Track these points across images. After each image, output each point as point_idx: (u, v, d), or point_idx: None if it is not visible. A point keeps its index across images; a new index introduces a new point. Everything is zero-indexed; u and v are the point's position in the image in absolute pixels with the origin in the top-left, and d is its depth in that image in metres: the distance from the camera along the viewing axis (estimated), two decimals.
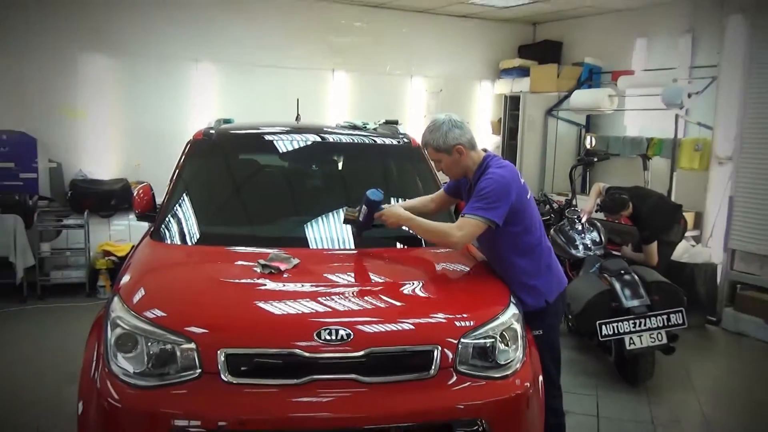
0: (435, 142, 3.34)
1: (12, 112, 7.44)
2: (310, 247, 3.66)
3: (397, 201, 3.92)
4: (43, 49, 7.55)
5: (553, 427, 3.34)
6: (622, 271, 5.23)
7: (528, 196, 3.38)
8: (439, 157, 3.40)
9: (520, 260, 3.36)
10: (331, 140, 4.49)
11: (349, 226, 3.71)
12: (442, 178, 3.99)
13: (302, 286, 3.12)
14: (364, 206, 3.47)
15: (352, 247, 3.68)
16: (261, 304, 2.95)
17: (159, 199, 4.08)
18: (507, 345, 2.97)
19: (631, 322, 4.93)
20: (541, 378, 3.12)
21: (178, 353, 2.68)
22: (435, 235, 3.40)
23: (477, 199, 3.21)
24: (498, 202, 3.18)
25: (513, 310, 3.11)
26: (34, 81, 7.56)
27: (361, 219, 3.51)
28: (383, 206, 3.48)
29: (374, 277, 3.40)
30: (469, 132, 3.38)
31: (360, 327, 2.79)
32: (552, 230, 5.93)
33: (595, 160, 7.57)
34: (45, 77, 7.61)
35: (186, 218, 3.87)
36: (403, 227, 3.53)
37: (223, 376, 2.64)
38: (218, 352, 2.65)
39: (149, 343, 2.71)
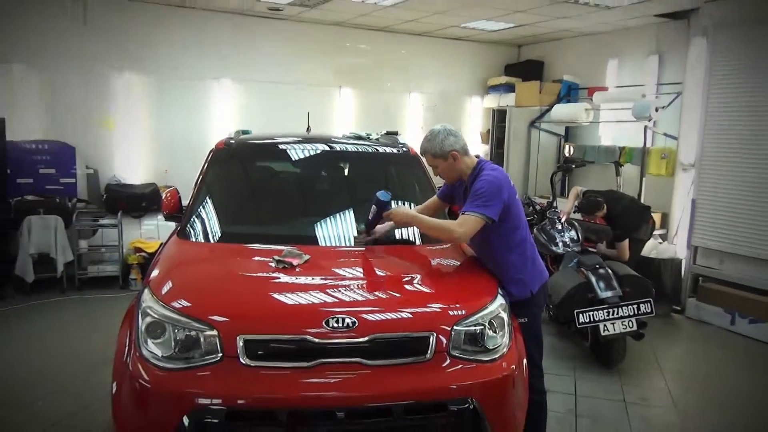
0: (432, 150, 3.35)
1: (54, 124, 7.45)
2: (320, 245, 3.65)
3: (398, 203, 3.91)
4: (82, 70, 7.56)
5: (536, 404, 3.32)
6: (597, 266, 5.23)
7: (516, 197, 3.38)
8: (436, 163, 3.40)
9: (509, 255, 3.35)
10: (338, 149, 4.48)
11: (354, 227, 3.72)
12: (438, 182, 3.98)
13: (312, 279, 3.11)
14: (373, 206, 3.46)
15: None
16: (276, 295, 2.94)
17: (185, 202, 4.08)
18: (495, 332, 2.96)
19: (605, 311, 4.93)
20: (525, 361, 3.11)
21: (202, 339, 2.68)
22: (439, 232, 3.36)
23: (474, 199, 3.21)
24: (492, 200, 3.17)
25: (500, 300, 3.10)
26: (74, 97, 7.56)
27: (370, 217, 3.51)
28: (391, 206, 3.48)
29: (377, 271, 3.39)
30: (463, 140, 3.38)
31: (364, 315, 2.79)
32: (535, 229, 5.92)
33: (573, 166, 7.58)
34: (84, 94, 7.62)
35: (209, 218, 3.87)
36: (410, 225, 3.55)
37: (241, 360, 2.63)
38: (237, 338, 2.65)
39: (176, 330, 2.71)
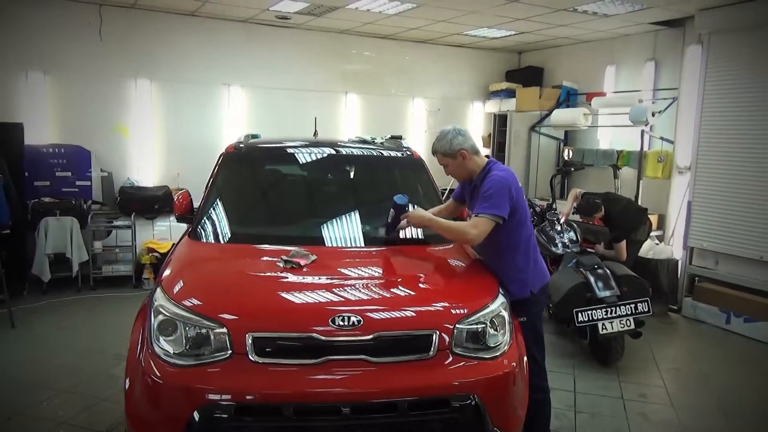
0: (442, 149, 3.38)
1: (71, 129, 7.47)
2: (326, 245, 3.64)
3: (413, 206, 3.89)
4: (97, 77, 7.59)
5: (539, 401, 3.32)
6: (596, 266, 5.21)
7: (523, 198, 3.38)
8: (446, 162, 3.43)
9: (512, 254, 3.35)
10: (344, 153, 4.46)
11: (359, 228, 3.76)
12: (441, 184, 3.96)
13: (319, 278, 3.11)
14: (392, 209, 3.48)
15: (363, 245, 3.69)
16: (283, 294, 2.94)
17: (196, 204, 4.08)
18: (496, 330, 2.95)
19: (603, 310, 4.91)
20: (525, 359, 3.10)
21: (212, 336, 2.68)
22: (453, 233, 3.38)
23: (484, 200, 3.23)
24: (501, 200, 3.20)
25: (501, 299, 3.09)
26: (89, 102, 7.58)
27: (389, 220, 3.52)
28: (408, 209, 3.50)
29: (381, 271, 3.38)
30: (471, 140, 3.41)
31: (369, 314, 2.78)
32: (535, 230, 5.90)
33: (572, 169, 7.56)
34: (99, 100, 7.64)
35: (219, 220, 3.87)
36: (425, 227, 3.56)
37: (250, 357, 2.64)
38: (246, 335, 2.65)
39: (187, 328, 2.71)
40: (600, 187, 7.19)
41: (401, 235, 3.64)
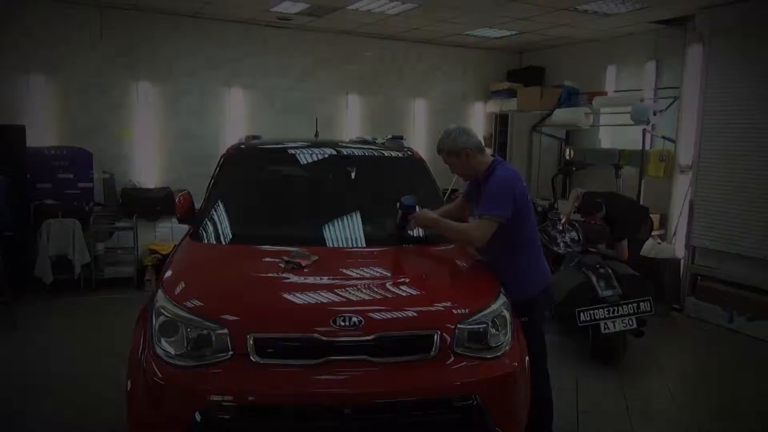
0: (447, 147, 3.40)
1: (72, 131, 7.49)
2: (327, 246, 3.63)
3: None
4: (99, 79, 7.62)
5: (541, 401, 3.32)
6: (598, 266, 5.21)
7: (528, 198, 3.38)
8: (450, 160, 3.44)
9: (514, 255, 3.35)
10: (345, 153, 4.43)
11: (360, 228, 3.76)
12: (445, 182, 3.96)
13: (320, 279, 3.10)
14: (400, 210, 3.51)
15: (364, 245, 3.68)
16: (285, 295, 2.94)
17: (197, 205, 4.07)
18: (497, 330, 2.95)
19: (605, 309, 4.90)
20: (527, 358, 3.09)
21: (213, 337, 2.68)
22: (457, 234, 3.41)
23: (487, 201, 3.24)
24: (504, 200, 3.21)
25: (502, 299, 3.09)
26: (91, 104, 7.61)
27: (398, 221, 3.54)
28: (416, 210, 3.51)
29: (383, 272, 3.38)
30: (476, 138, 3.41)
31: (370, 314, 2.78)
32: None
33: (574, 169, 7.55)
34: (100, 102, 7.67)
35: (220, 221, 3.86)
36: (431, 227, 3.55)
37: (252, 358, 2.64)
38: (248, 336, 2.65)
39: (188, 329, 2.71)
40: (602, 187, 7.17)
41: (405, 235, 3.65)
